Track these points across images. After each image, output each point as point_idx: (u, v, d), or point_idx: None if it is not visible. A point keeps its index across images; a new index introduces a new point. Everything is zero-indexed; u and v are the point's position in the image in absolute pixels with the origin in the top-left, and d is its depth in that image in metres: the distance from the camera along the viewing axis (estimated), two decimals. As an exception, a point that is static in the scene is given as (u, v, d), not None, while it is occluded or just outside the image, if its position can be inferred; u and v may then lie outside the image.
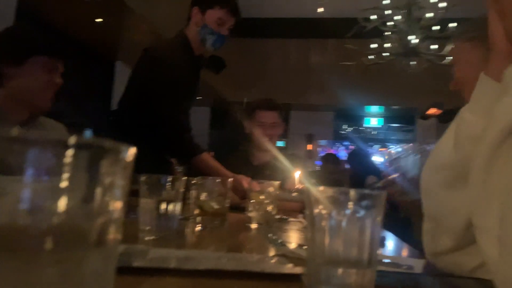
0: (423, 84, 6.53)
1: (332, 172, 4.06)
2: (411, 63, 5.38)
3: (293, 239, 1.08)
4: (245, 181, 1.67)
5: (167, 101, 1.82)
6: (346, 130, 9.28)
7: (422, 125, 7.94)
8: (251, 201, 1.09)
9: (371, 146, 9.01)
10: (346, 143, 8.95)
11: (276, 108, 2.13)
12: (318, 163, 4.26)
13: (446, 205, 0.65)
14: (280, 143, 10.15)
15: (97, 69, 6.22)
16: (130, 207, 0.86)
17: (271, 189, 1.09)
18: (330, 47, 6.59)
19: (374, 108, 8.32)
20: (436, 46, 4.72)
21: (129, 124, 1.83)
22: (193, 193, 1.14)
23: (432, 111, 6.02)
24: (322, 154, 4.89)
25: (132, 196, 0.91)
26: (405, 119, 8.57)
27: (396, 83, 7.04)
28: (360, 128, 9.17)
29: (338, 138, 8.90)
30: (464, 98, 1.01)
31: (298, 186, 1.57)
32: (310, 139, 8.65)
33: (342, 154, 8.27)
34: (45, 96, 1.32)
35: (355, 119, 8.73)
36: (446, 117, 4.37)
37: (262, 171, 2.03)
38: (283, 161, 1.90)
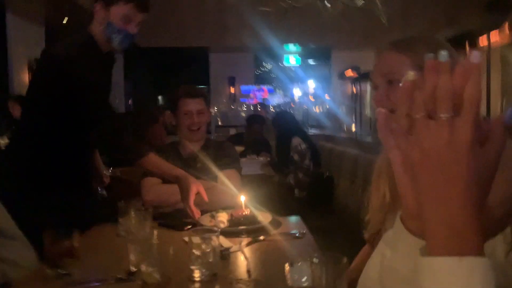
0: (338, 24, 6.66)
1: (258, 132, 4.09)
2: (327, 4, 5.46)
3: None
4: (195, 187, 1.64)
5: (89, 107, 1.66)
6: (267, 68, 9.32)
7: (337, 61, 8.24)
8: (194, 254, 1.07)
9: (292, 83, 9.23)
10: (268, 87, 9.04)
11: (199, 95, 2.05)
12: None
13: None
14: (202, 87, 9.99)
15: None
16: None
17: (213, 239, 1.07)
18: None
19: (292, 47, 8.35)
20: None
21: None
22: (131, 258, 1.09)
23: (349, 73, 6.29)
24: (247, 116, 4.88)
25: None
26: (321, 56, 8.78)
27: (313, 23, 7.09)
28: (280, 65, 9.24)
29: (260, 80, 8.93)
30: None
31: (245, 212, 1.56)
32: (232, 82, 8.56)
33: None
34: None
35: (275, 59, 8.74)
36: (361, 79, 4.56)
37: (193, 163, 1.99)
38: (222, 180, 1.86)
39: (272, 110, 8.06)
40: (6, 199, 1.41)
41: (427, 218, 0.44)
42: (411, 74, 0.46)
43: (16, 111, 4.49)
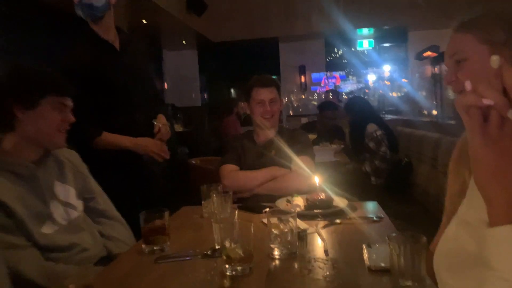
0: (413, 2, 6.28)
1: (331, 118, 4.04)
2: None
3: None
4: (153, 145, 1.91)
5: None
6: (338, 54, 9.09)
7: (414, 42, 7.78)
8: (273, 234, 1.12)
9: (366, 69, 8.91)
10: (340, 74, 8.82)
11: (272, 84, 2.09)
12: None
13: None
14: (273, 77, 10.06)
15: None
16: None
17: (290, 220, 1.12)
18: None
19: (365, 31, 8.05)
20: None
21: None
22: (216, 236, 1.18)
23: (428, 53, 5.90)
24: (319, 103, 4.81)
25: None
26: (396, 37, 8.34)
27: (387, 3, 6.77)
28: (353, 50, 8.97)
29: (331, 67, 8.74)
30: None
31: (321, 196, 1.58)
32: (302, 70, 8.50)
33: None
34: (59, 135, 1.33)
35: (347, 44, 8.49)
36: (441, 58, 4.25)
37: (267, 150, 2.05)
38: (297, 165, 1.90)
39: (344, 97, 7.88)
40: (105, 185, 1.59)
41: (491, 193, 0.46)
42: (495, 59, 0.46)
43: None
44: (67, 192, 1.39)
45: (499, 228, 0.46)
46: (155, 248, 1.21)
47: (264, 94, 2.05)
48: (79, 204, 1.43)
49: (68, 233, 1.32)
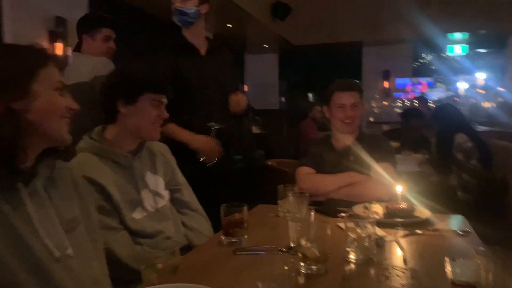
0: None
1: (415, 128, 3.83)
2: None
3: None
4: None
5: None
6: (426, 59, 8.61)
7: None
8: (350, 237, 1.12)
9: (457, 76, 8.32)
10: (427, 80, 8.33)
11: (354, 88, 2.04)
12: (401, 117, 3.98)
13: None
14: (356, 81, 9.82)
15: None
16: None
17: (368, 226, 1.10)
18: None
19: (458, 35, 7.52)
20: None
21: None
22: (291, 235, 1.21)
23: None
24: (404, 110, 4.57)
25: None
26: (493, 43, 7.67)
27: (483, 7, 6.26)
28: (442, 56, 8.44)
29: (418, 73, 8.30)
30: None
31: (402, 205, 1.53)
32: (386, 75, 8.19)
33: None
34: (154, 129, 1.45)
35: (436, 50, 8.00)
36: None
37: (346, 155, 2.02)
38: (377, 171, 1.85)
39: (431, 105, 7.43)
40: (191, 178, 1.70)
41: None
42: None
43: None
44: (157, 182, 1.51)
45: None
46: (233, 240, 1.27)
47: (345, 98, 2.00)
48: (166, 194, 1.54)
49: (155, 220, 1.44)
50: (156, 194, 1.49)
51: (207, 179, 1.98)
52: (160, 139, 1.53)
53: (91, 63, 1.94)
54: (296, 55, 9.02)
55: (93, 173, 1.30)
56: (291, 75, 9.91)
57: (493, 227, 2.55)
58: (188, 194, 1.64)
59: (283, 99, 10.02)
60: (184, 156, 1.80)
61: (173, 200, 1.59)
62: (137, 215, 1.39)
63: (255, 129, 7.08)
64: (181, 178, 1.64)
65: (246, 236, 1.29)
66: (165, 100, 1.46)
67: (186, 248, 1.48)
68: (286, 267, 1.06)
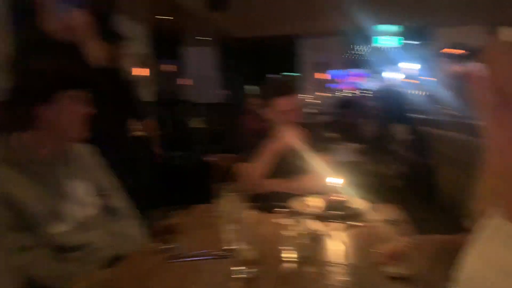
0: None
1: (350, 118, 3.92)
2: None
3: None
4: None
5: None
6: (361, 51, 8.93)
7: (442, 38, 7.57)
8: (286, 235, 1.09)
9: (390, 66, 8.71)
10: (360, 71, 8.65)
11: (292, 91, 1.99)
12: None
13: None
14: (292, 74, 9.95)
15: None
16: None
17: (305, 222, 1.08)
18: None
19: (391, 28, 7.87)
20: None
21: None
22: (227, 237, 1.15)
23: (455, 50, 5.71)
24: (339, 101, 4.67)
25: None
26: (423, 35, 8.12)
27: (412, 0, 6.58)
28: (376, 47, 8.78)
29: (353, 65, 8.59)
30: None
31: (340, 197, 1.53)
32: (322, 67, 8.39)
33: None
34: (77, 127, 1.32)
35: (371, 41, 8.32)
36: (469, 56, 4.06)
37: (286, 157, 2.00)
38: (315, 165, 1.85)
39: (366, 94, 7.70)
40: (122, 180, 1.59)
41: None
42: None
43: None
44: (83, 189, 1.39)
45: None
46: (168, 246, 1.20)
47: (285, 104, 1.95)
48: (95, 201, 1.42)
49: (82, 231, 1.31)
50: (83, 202, 1.37)
51: (143, 180, 1.88)
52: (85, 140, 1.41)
53: None
54: (237, 47, 8.96)
55: (5, 187, 1.15)
56: (233, 67, 9.84)
57: (422, 208, 2.70)
58: (119, 199, 1.52)
59: (226, 92, 9.93)
60: (116, 157, 1.68)
61: (103, 206, 1.47)
62: (60, 228, 1.26)
63: (197, 123, 6.94)
64: (111, 182, 1.52)
65: (180, 242, 1.22)
66: (88, 96, 1.34)
67: (119, 258, 1.38)
68: (220, 273, 1.01)
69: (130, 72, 3.00)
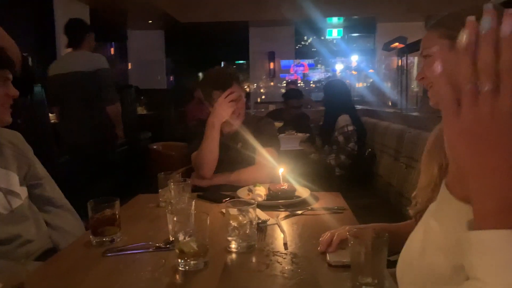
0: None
1: (296, 107, 3.98)
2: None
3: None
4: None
5: None
6: (308, 41, 9.08)
7: (382, 32, 7.87)
8: (231, 226, 1.06)
9: (334, 57, 8.95)
10: (308, 62, 8.81)
11: (232, 82, 1.89)
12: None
13: None
14: (240, 61, 9.87)
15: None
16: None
17: (250, 211, 1.06)
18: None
19: (335, 20, 8.05)
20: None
21: None
22: (170, 228, 1.11)
23: (395, 44, 5.99)
24: (285, 91, 4.72)
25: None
26: (365, 28, 8.41)
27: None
28: (322, 38, 8.97)
29: (300, 55, 8.71)
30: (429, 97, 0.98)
31: (283, 186, 1.53)
32: (271, 57, 8.43)
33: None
34: (3, 111, 1.22)
35: (317, 32, 8.47)
36: (408, 50, 4.26)
37: (233, 140, 1.97)
38: (261, 155, 1.84)
39: (312, 85, 7.89)
40: (55, 170, 1.47)
41: (474, 189, 0.43)
42: (463, 35, 0.43)
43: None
44: (8, 178, 1.27)
45: (486, 232, 0.42)
46: (104, 239, 1.13)
47: (224, 96, 1.89)
48: (22, 191, 1.31)
49: (10, 223, 1.21)
50: (8, 192, 1.25)
51: (80, 168, 1.76)
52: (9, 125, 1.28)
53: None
54: (184, 33, 8.71)
55: None
56: (179, 53, 9.58)
57: (364, 196, 2.82)
58: (51, 189, 1.42)
59: (171, 78, 9.66)
60: (50, 144, 1.56)
61: (32, 196, 1.36)
62: (-16, 219, 1.15)
63: (141, 110, 6.69)
64: (41, 170, 1.41)
65: (119, 234, 1.16)
66: (10, 76, 1.22)
67: (52, 251, 1.28)
68: (161, 266, 0.97)
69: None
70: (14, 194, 1.27)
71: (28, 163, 1.36)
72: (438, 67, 0.46)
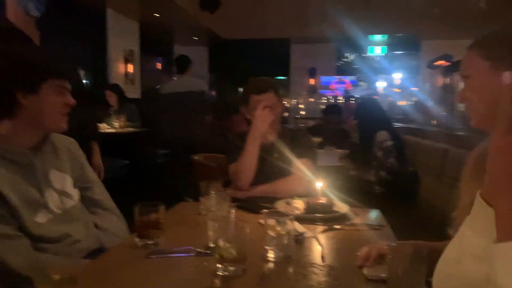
0: (427, 10, 6.21)
1: (336, 123, 3.97)
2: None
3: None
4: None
5: None
6: (349, 58, 9.04)
7: (428, 48, 7.71)
8: (268, 235, 1.09)
9: (376, 75, 8.85)
10: (350, 79, 8.75)
11: (269, 88, 1.97)
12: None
13: None
14: (281, 78, 9.96)
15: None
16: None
17: (288, 223, 1.09)
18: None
19: (378, 37, 7.99)
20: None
21: None
22: (210, 234, 1.15)
23: (440, 62, 5.86)
24: (325, 106, 4.73)
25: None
26: (409, 46, 8.27)
27: (399, 10, 6.70)
28: (364, 56, 8.91)
29: (341, 72, 8.68)
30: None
31: (321, 200, 1.54)
32: (312, 73, 8.46)
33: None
34: (61, 118, 1.31)
35: (358, 50, 8.43)
36: (453, 68, 4.16)
37: (269, 151, 2.00)
38: (298, 167, 1.86)
39: (351, 100, 7.80)
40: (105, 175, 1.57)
41: (498, 204, 0.45)
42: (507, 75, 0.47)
43: (112, 99, 4.85)
44: (63, 180, 1.37)
45: (507, 244, 0.43)
46: (148, 242, 1.18)
47: (261, 100, 1.93)
48: (75, 193, 1.40)
49: (62, 223, 1.29)
50: (62, 193, 1.34)
51: (125, 175, 1.86)
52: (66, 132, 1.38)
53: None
54: (227, 49, 8.95)
55: None
56: (222, 69, 9.83)
57: (405, 215, 2.74)
58: (100, 192, 1.50)
59: (214, 93, 9.90)
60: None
61: (83, 199, 1.45)
62: (41, 218, 1.24)
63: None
64: (91, 174, 1.50)
65: (163, 238, 1.21)
66: (69, 86, 1.32)
67: (98, 251, 1.36)
68: (201, 270, 1.01)
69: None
70: (68, 195, 1.36)
71: (80, 167, 1.46)
72: (476, 91, 0.53)
